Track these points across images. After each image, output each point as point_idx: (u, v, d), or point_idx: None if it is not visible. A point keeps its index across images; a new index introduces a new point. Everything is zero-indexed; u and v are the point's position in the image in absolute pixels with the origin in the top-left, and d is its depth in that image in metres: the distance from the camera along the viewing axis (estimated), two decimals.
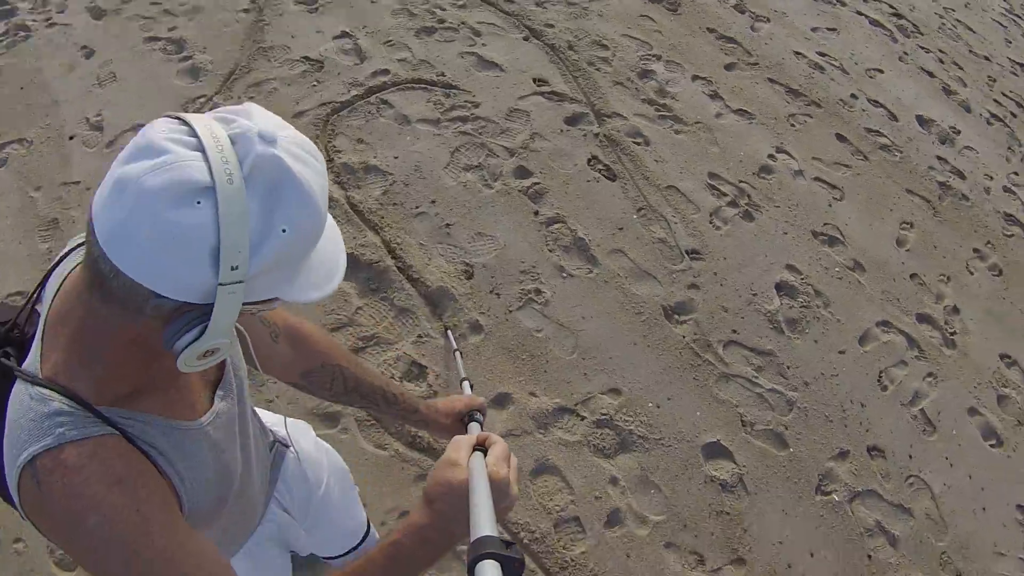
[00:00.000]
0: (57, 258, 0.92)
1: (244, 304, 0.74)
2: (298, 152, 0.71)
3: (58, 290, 0.86)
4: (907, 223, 3.75)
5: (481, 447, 0.94)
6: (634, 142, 3.36)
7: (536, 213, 2.96)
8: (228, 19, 3.18)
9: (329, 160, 2.74)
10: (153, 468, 0.84)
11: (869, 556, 2.86)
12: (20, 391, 0.82)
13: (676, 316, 3.01)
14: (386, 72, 2.90)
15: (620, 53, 3.58)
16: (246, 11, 3.14)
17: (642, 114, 3.37)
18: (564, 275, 2.94)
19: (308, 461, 1.49)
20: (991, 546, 3.09)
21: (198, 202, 0.65)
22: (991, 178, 4.24)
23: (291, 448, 1.42)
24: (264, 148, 0.68)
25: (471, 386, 1.34)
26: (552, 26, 3.49)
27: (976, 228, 3.90)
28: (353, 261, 2.69)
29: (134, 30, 3.26)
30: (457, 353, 1.41)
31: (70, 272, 0.87)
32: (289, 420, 1.43)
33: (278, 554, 1.45)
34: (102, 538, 0.76)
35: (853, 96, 4.24)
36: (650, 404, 2.83)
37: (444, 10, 3.26)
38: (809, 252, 3.38)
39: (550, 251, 2.93)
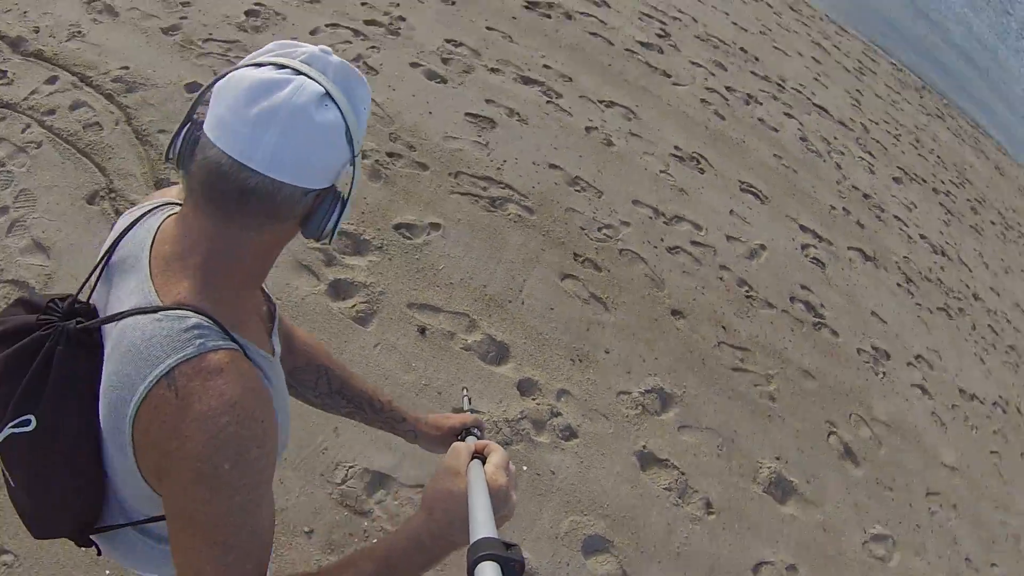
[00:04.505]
0: (120, 230, 1.00)
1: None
2: (348, 65, 0.91)
3: (152, 243, 0.94)
4: None
5: (480, 455, 0.95)
6: None
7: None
8: None
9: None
10: (275, 413, 0.89)
11: None
12: (139, 321, 0.86)
13: None
14: None
15: None
16: None
17: None
18: None
19: None
20: (441, 132, 3.99)
21: (326, 104, 0.85)
22: None
23: None
24: (333, 58, 0.88)
25: (469, 400, 1.39)
26: None
27: None
28: None
29: None
30: (466, 398, 1.43)
31: (160, 226, 0.96)
32: None
33: None
34: (226, 438, 0.79)
35: None
36: None
37: None
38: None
39: None
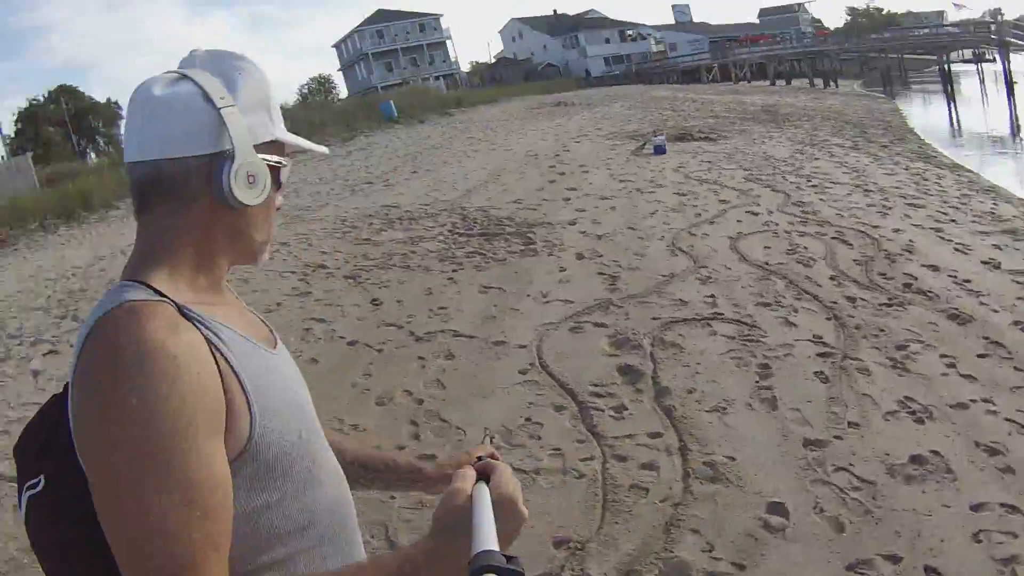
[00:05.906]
0: None
1: (259, 153, 0.93)
2: (218, 49, 0.99)
3: None
4: None
5: (484, 476, 0.94)
6: None
7: None
8: None
9: None
10: (213, 364, 0.83)
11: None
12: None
13: None
14: None
15: None
16: None
17: None
18: None
19: None
20: None
21: (175, 82, 0.91)
22: None
23: None
24: (201, 51, 0.97)
25: (491, 440, 1.34)
26: None
27: None
28: None
29: None
30: (488, 438, 1.38)
31: None
32: None
33: None
34: (128, 366, 0.76)
35: None
36: None
37: None
38: None
39: None
